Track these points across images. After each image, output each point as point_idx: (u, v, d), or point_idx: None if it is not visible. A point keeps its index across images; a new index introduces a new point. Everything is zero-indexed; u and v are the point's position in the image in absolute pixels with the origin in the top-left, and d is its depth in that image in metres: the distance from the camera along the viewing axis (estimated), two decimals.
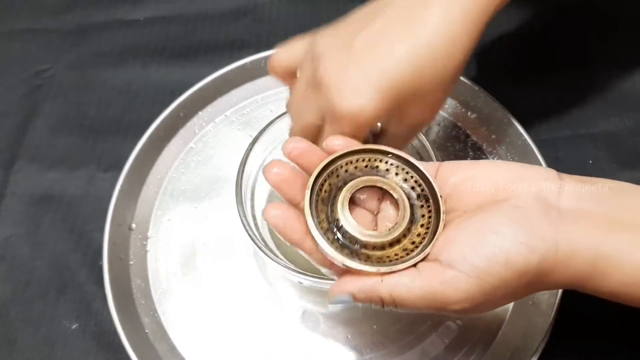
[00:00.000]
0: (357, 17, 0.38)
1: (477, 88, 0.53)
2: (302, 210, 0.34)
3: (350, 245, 0.35)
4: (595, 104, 0.55)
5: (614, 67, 0.57)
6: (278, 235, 0.35)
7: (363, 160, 0.37)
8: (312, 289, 0.46)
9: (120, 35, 0.61)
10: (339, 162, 0.36)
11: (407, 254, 0.34)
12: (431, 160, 0.44)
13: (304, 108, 0.39)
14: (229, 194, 0.46)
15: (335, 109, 0.36)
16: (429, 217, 0.35)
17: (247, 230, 0.42)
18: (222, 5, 0.62)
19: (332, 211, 0.35)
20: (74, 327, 0.47)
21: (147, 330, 0.45)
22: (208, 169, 0.52)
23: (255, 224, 0.44)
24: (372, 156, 0.37)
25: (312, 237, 0.34)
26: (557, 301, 0.44)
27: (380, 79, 0.36)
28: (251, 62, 0.56)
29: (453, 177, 0.36)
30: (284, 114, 0.45)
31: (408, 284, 0.32)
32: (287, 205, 0.35)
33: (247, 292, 0.47)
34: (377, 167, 0.37)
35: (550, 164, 0.49)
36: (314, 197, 0.35)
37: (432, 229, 0.34)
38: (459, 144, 0.53)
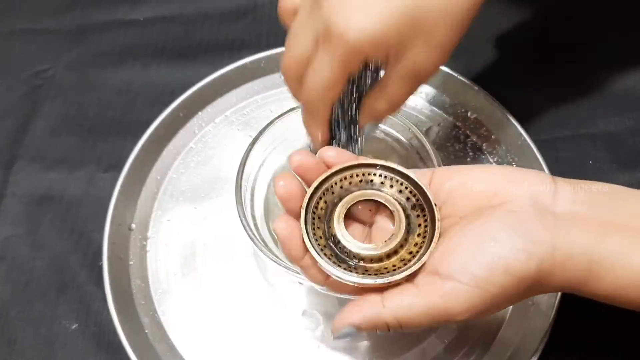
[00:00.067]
0: None
1: (477, 88, 0.53)
2: None
3: (347, 260, 0.35)
4: (595, 104, 0.55)
5: (614, 67, 0.56)
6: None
7: (357, 175, 0.37)
8: (311, 290, 0.46)
9: (120, 35, 0.61)
10: (334, 179, 0.36)
11: (405, 264, 0.34)
12: (431, 160, 0.44)
13: (298, 35, 0.38)
14: (228, 194, 0.46)
15: (331, 28, 0.34)
16: (425, 226, 0.35)
17: (246, 231, 0.42)
18: (222, 5, 0.62)
19: (329, 227, 0.36)
20: (73, 327, 0.47)
21: (146, 331, 0.45)
22: (208, 169, 0.52)
23: (255, 224, 0.44)
24: (367, 170, 0.37)
25: (310, 254, 0.34)
26: (556, 302, 0.44)
27: (383, 1, 0.34)
28: (251, 62, 0.56)
29: (448, 183, 0.35)
30: (283, 114, 0.45)
31: (410, 304, 0.32)
32: (294, 221, 0.35)
33: (246, 292, 0.47)
34: (371, 180, 0.37)
35: (550, 164, 0.49)
36: (310, 215, 0.35)
37: (429, 238, 0.34)
38: (459, 144, 0.53)
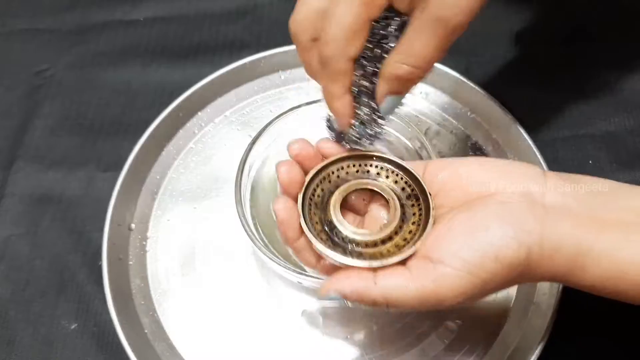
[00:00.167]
0: None
1: (477, 89, 0.53)
2: None
3: (343, 244, 0.36)
4: (595, 104, 0.55)
5: (614, 67, 0.56)
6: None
7: (354, 165, 0.38)
8: (311, 289, 0.46)
9: (119, 35, 0.61)
10: (331, 168, 0.37)
11: (399, 250, 0.35)
12: (430, 159, 0.44)
13: None
14: (228, 194, 0.46)
15: None
16: (420, 215, 0.36)
17: (246, 231, 0.42)
18: (222, 6, 0.62)
19: (325, 214, 0.36)
20: (73, 327, 0.46)
21: (146, 331, 0.45)
22: (207, 169, 0.52)
23: (255, 224, 0.44)
24: (363, 161, 0.38)
25: (305, 236, 0.35)
26: (556, 302, 0.44)
27: None
28: (250, 62, 0.56)
29: (441, 174, 0.36)
30: (283, 114, 0.45)
31: (401, 286, 0.33)
32: (293, 203, 0.36)
33: (246, 292, 0.47)
34: (367, 171, 0.38)
35: (549, 164, 0.49)
36: (307, 201, 0.36)
37: (423, 225, 0.35)
38: (459, 144, 0.53)
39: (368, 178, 0.38)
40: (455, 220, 0.34)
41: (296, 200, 0.36)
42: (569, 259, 0.32)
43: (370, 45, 0.34)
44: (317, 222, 0.36)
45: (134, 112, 0.56)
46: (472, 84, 0.54)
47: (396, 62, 0.33)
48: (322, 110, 0.38)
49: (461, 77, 0.54)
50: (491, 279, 0.32)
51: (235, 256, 0.48)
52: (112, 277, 0.46)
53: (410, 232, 0.36)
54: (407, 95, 0.35)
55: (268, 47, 0.56)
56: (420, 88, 0.55)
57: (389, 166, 0.38)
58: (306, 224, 0.35)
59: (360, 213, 0.39)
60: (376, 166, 0.38)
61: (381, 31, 0.34)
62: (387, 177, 0.38)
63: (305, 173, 0.37)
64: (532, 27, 0.59)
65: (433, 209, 0.35)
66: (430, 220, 0.35)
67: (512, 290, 0.46)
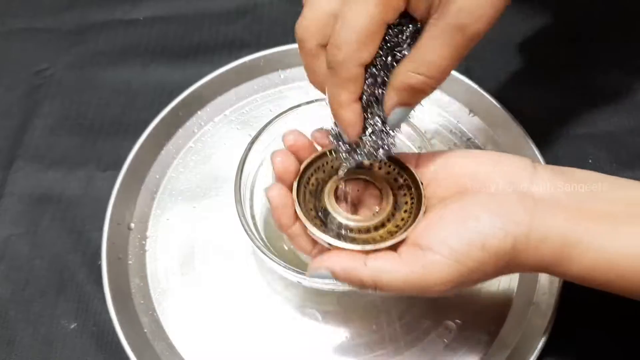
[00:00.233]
0: None
1: (477, 88, 0.53)
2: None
3: (337, 230, 0.37)
4: (595, 104, 0.55)
5: (614, 67, 0.56)
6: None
7: None
8: (311, 289, 0.46)
9: (119, 34, 0.61)
10: (326, 159, 0.38)
11: (392, 236, 0.35)
12: None
13: None
14: (228, 193, 0.46)
15: None
16: (412, 204, 0.37)
17: (245, 230, 0.42)
18: (221, 5, 0.62)
19: (319, 201, 0.38)
20: (72, 326, 0.46)
21: (145, 330, 0.45)
22: (207, 169, 0.52)
23: (254, 224, 0.44)
24: None
25: (300, 222, 0.36)
26: (556, 301, 0.44)
27: None
28: (250, 62, 0.56)
29: (433, 166, 0.37)
30: (283, 113, 0.45)
31: (390, 269, 0.33)
32: (287, 190, 0.36)
33: (246, 291, 0.47)
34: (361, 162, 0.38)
35: (549, 164, 0.49)
36: (302, 189, 0.37)
37: (414, 214, 0.36)
38: (459, 144, 0.53)
39: (361, 168, 0.39)
40: (446, 210, 0.34)
41: (290, 189, 0.37)
42: (556, 249, 0.32)
43: (381, 53, 0.32)
44: (311, 209, 0.37)
45: (134, 111, 0.56)
46: (472, 84, 0.53)
47: (408, 71, 0.32)
48: (328, 122, 0.36)
49: (461, 77, 0.54)
50: (478, 268, 0.32)
51: (234, 255, 0.48)
52: (111, 277, 0.46)
53: (402, 219, 0.37)
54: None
55: (268, 46, 0.56)
56: None
57: None
58: (301, 208, 0.36)
59: (354, 202, 0.39)
60: None
61: (394, 38, 0.32)
62: (380, 168, 0.39)
63: (300, 163, 0.38)
64: (532, 27, 0.59)
65: (425, 197, 0.36)
66: (422, 209, 0.36)
67: (512, 290, 0.46)
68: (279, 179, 0.37)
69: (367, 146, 0.35)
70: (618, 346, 0.44)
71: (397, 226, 0.37)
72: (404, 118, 0.34)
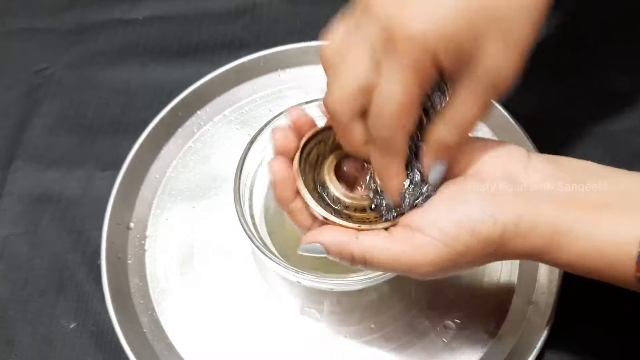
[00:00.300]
0: None
1: None
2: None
3: (333, 205, 0.37)
4: (594, 104, 0.55)
5: (614, 67, 0.57)
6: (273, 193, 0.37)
7: None
8: (310, 289, 0.46)
9: (118, 34, 0.61)
10: (327, 133, 0.39)
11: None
12: None
13: (348, 58, 0.32)
14: (227, 193, 0.46)
15: (394, 31, 0.30)
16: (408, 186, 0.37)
17: (245, 230, 0.42)
18: (221, 5, 0.62)
19: (319, 174, 0.38)
20: (72, 326, 0.46)
21: (145, 330, 0.45)
22: (206, 168, 0.52)
23: (254, 223, 0.44)
24: None
25: (300, 197, 0.36)
26: (555, 301, 0.44)
27: None
28: (249, 61, 0.56)
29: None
30: (282, 112, 0.45)
31: (381, 245, 0.34)
32: (290, 164, 0.37)
33: (245, 291, 0.47)
34: None
35: None
36: (303, 160, 0.37)
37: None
38: None
39: None
40: (438, 194, 0.35)
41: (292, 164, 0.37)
42: (545, 237, 0.33)
43: None
44: (309, 181, 0.38)
45: (133, 111, 0.56)
46: None
47: (444, 130, 0.34)
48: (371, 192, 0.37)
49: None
50: (465, 252, 0.33)
51: (234, 255, 0.48)
52: (110, 276, 0.46)
53: None
54: None
55: (267, 46, 0.56)
56: None
57: None
58: (303, 184, 0.36)
59: (352, 181, 0.40)
60: None
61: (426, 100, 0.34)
62: None
63: (300, 140, 0.38)
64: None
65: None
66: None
67: (511, 289, 0.46)
68: (279, 154, 0.37)
69: (406, 200, 0.36)
70: (617, 344, 0.44)
71: None
72: (443, 172, 0.35)
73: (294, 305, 0.46)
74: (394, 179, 0.35)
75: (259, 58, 0.56)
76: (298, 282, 0.44)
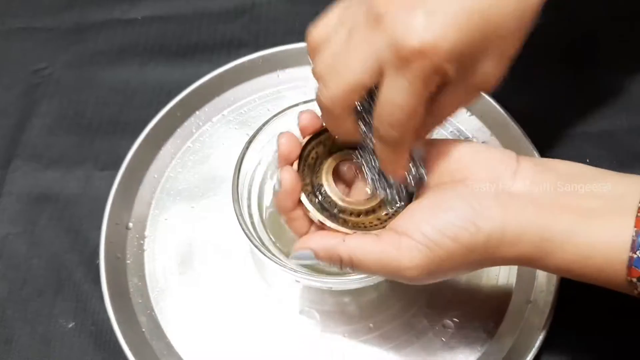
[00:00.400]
0: None
1: None
2: None
3: (329, 209, 0.38)
4: (593, 104, 0.55)
5: (613, 66, 0.56)
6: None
7: None
8: (309, 288, 0.46)
9: (118, 34, 0.61)
10: (326, 135, 0.39)
11: (381, 223, 0.37)
12: None
13: (350, 58, 0.32)
14: (226, 193, 0.45)
15: (404, 43, 0.30)
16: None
17: (243, 229, 0.42)
18: (220, 5, 0.62)
19: (317, 177, 0.39)
20: (70, 326, 0.46)
21: (143, 329, 0.45)
22: (205, 168, 0.52)
23: (252, 223, 0.44)
24: None
25: (300, 206, 0.37)
26: (553, 300, 0.44)
27: (458, 6, 0.31)
28: (248, 61, 0.56)
29: (428, 156, 0.37)
30: (280, 112, 0.45)
31: (367, 247, 0.35)
32: (298, 176, 0.38)
33: (244, 290, 0.47)
34: None
35: None
36: (302, 163, 0.38)
37: (406, 203, 0.38)
38: None
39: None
40: (423, 198, 0.35)
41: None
42: (534, 245, 0.33)
43: None
44: (307, 184, 0.38)
45: (132, 111, 0.56)
46: None
47: (426, 120, 0.35)
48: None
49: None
50: (448, 258, 0.33)
51: (232, 255, 0.48)
52: (109, 276, 0.46)
53: (392, 208, 0.38)
54: None
55: (266, 46, 0.56)
56: None
57: None
58: (306, 196, 0.37)
59: (348, 183, 0.41)
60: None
61: None
62: None
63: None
64: (531, 26, 0.59)
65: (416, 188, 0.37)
66: (414, 199, 0.37)
67: (510, 289, 0.46)
68: (283, 160, 0.38)
69: (412, 181, 0.37)
70: (615, 344, 0.44)
71: (386, 214, 0.38)
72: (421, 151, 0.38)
73: (292, 304, 0.46)
74: (403, 169, 0.36)
75: (258, 58, 0.56)
76: (297, 281, 0.44)
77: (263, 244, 0.43)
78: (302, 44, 0.56)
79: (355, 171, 0.40)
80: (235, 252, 0.48)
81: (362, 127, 0.35)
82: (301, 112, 0.39)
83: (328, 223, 0.37)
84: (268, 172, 0.46)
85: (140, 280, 0.48)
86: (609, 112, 0.54)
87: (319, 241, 0.36)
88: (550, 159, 0.36)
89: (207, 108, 0.55)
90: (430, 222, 0.34)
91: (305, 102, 0.44)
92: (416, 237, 0.33)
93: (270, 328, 0.45)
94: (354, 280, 0.41)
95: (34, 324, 0.47)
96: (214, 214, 0.50)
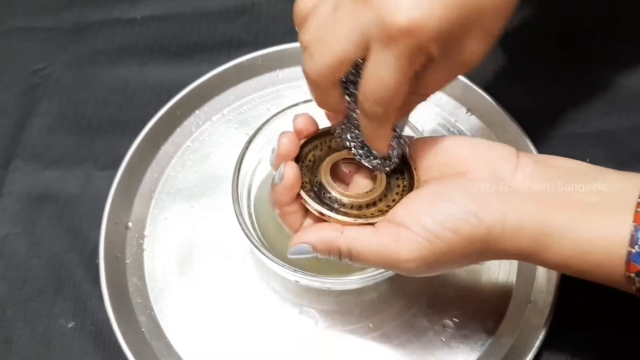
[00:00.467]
0: None
1: (475, 87, 0.53)
2: None
3: (330, 204, 0.38)
4: (593, 103, 0.55)
5: (612, 66, 0.56)
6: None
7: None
8: (309, 288, 0.46)
9: (117, 33, 0.61)
10: (324, 138, 0.40)
11: (383, 214, 0.37)
12: None
13: (336, 31, 0.32)
14: (225, 192, 0.46)
15: (391, 20, 0.30)
16: (404, 187, 0.39)
17: (243, 229, 0.42)
18: (219, 4, 0.62)
19: (315, 176, 0.39)
20: (70, 325, 0.46)
21: (143, 329, 0.45)
22: (205, 168, 0.52)
23: (252, 222, 0.44)
24: None
25: (296, 200, 0.38)
26: (553, 299, 0.44)
27: None
28: (248, 61, 0.55)
29: (427, 151, 0.38)
30: (280, 112, 0.45)
31: (366, 239, 0.35)
32: (300, 172, 0.38)
33: (243, 290, 0.47)
34: None
35: None
36: (300, 163, 0.39)
37: (406, 195, 0.38)
38: None
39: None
40: (423, 191, 0.36)
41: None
42: (532, 239, 0.33)
43: None
44: (306, 183, 0.39)
45: (132, 110, 0.56)
46: (469, 83, 0.53)
47: (411, 96, 0.35)
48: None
49: (460, 77, 0.53)
50: (449, 250, 0.33)
51: (232, 254, 0.48)
52: (109, 276, 0.46)
53: (393, 200, 0.38)
54: None
55: (265, 45, 0.56)
56: None
57: None
58: (303, 188, 0.38)
59: (346, 182, 0.41)
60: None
61: None
62: None
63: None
64: (530, 25, 0.59)
65: (417, 181, 0.37)
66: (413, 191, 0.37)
67: (510, 288, 0.46)
68: (282, 159, 0.38)
69: (396, 153, 0.38)
70: (615, 344, 0.44)
71: (388, 206, 0.38)
72: (405, 123, 0.39)
73: (292, 304, 0.46)
74: (383, 141, 0.37)
75: (257, 57, 0.56)
76: (296, 281, 0.44)
77: (262, 243, 0.43)
78: None
79: (352, 171, 0.40)
80: (235, 252, 0.48)
81: (347, 98, 0.36)
82: (296, 115, 0.40)
83: (328, 213, 0.37)
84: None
85: (139, 280, 0.48)
86: (608, 111, 0.54)
87: (316, 234, 0.36)
88: (550, 156, 0.37)
89: (206, 107, 0.55)
90: (430, 213, 0.34)
91: (305, 101, 0.44)
92: (415, 229, 0.34)
93: (270, 328, 0.45)
94: (353, 280, 0.42)
95: (34, 324, 0.47)
96: (214, 214, 0.50)
